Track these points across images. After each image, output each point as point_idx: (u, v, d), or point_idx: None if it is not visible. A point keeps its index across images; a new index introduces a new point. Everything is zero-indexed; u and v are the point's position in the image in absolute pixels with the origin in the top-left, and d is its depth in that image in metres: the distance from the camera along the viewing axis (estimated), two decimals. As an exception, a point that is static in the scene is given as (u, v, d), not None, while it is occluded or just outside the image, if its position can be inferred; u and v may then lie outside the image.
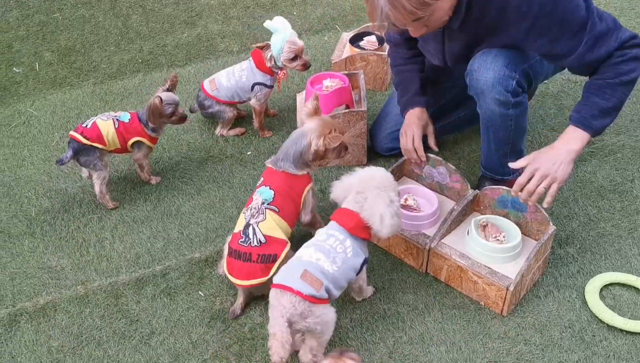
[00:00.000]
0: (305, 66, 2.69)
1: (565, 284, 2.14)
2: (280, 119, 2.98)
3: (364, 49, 3.07)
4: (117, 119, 2.48)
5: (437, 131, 2.49)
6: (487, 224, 2.19)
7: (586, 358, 1.92)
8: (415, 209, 2.31)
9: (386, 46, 3.06)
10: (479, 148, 2.69)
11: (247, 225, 2.05)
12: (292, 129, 2.82)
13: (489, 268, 2.05)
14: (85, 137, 2.41)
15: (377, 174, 1.98)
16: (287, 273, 1.83)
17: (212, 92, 2.77)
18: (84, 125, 2.44)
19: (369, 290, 2.13)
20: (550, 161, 1.95)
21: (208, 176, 2.68)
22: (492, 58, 2.07)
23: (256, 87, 2.73)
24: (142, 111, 2.51)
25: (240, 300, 2.09)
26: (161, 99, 2.44)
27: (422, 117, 2.38)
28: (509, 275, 2.03)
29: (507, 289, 1.98)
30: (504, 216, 2.23)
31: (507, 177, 2.36)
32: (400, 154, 2.48)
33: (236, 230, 2.08)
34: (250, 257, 2.01)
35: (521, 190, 1.98)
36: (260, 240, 2.02)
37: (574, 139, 1.97)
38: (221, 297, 2.17)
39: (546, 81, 2.82)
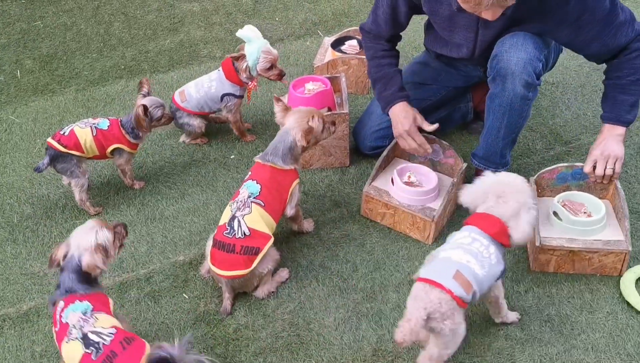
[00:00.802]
0: (280, 75, 2.71)
1: (545, 280, 2.18)
2: (263, 123, 3.00)
3: (345, 53, 3.11)
4: (95, 127, 2.46)
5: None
6: (564, 203, 2.26)
7: (565, 351, 1.96)
8: (418, 186, 2.39)
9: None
10: (459, 148, 2.74)
11: (233, 217, 2.08)
12: (275, 132, 2.86)
13: (599, 240, 2.16)
14: (62, 144, 2.40)
15: (515, 180, 1.92)
16: (438, 271, 1.77)
17: (182, 104, 2.76)
18: (61, 132, 2.44)
19: (511, 315, 2.03)
20: (605, 147, 2.17)
21: (192, 180, 2.69)
22: (523, 39, 2.14)
23: (225, 97, 2.72)
24: (125, 118, 2.51)
25: (226, 296, 2.11)
26: (145, 107, 2.45)
27: (407, 111, 2.39)
28: (615, 238, 2.17)
29: (627, 251, 2.13)
30: (565, 190, 2.33)
31: (501, 168, 2.41)
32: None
33: (221, 223, 2.11)
34: (233, 248, 2.04)
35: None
36: (244, 232, 2.05)
37: (614, 130, 2.18)
38: (205, 299, 2.18)
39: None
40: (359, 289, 2.19)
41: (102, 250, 1.80)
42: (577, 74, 3.18)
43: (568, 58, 3.28)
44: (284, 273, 2.23)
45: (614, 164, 2.16)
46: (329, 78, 2.79)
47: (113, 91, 3.28)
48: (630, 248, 2.13)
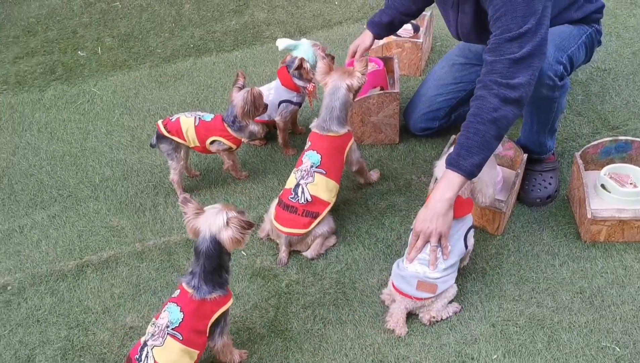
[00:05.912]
0: (332, 57, 2.71)
1: (580, 255, 2.29)
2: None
3: (399, 36, 3.25)
4: (199, 117, 2.58)
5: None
6: (611, 176, 2.38)
7: (594, 320, 2.08)
8: None
9: (421, 33, 3.25)
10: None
11: (297, 185, 2.34)
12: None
13: None
14: (166, 129, 2.56)
15: None
16: (404, 282, 2.07)
17: None
18: (171, 118, 2.59)
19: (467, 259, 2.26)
20: (427, 220, 2.01)
21: (252, 152, 2.93)
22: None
23: (282, 104, 2.75)
24: (226, 113, 2.57)
25: (282, 249, 2.36)
26: (259, 93, 2.51)
27: (364, 38, 2.70)
28: None
29: None
30: (609, 163, 2.44)
31: (543, 155, 2.51)
32: (432, 135, 2.66)
33: (287, 186, 2.37)
34: (296, 211, 2.31)
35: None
36: (307, 199, 2.31)
37: (449, 184, 1.98)
38: (262, 257, 2.41)
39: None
40: (402, 255, 2.36)
41: (236, 221, 1.79)
42: (630, 62, 3.21)
43: (622, 45, 3.31)
44: (332, 239, 2.44)
45: (438, 240, 2.00)
46: (382, 59, 2.95)
47: (182, 68, 3.55)
48: None
